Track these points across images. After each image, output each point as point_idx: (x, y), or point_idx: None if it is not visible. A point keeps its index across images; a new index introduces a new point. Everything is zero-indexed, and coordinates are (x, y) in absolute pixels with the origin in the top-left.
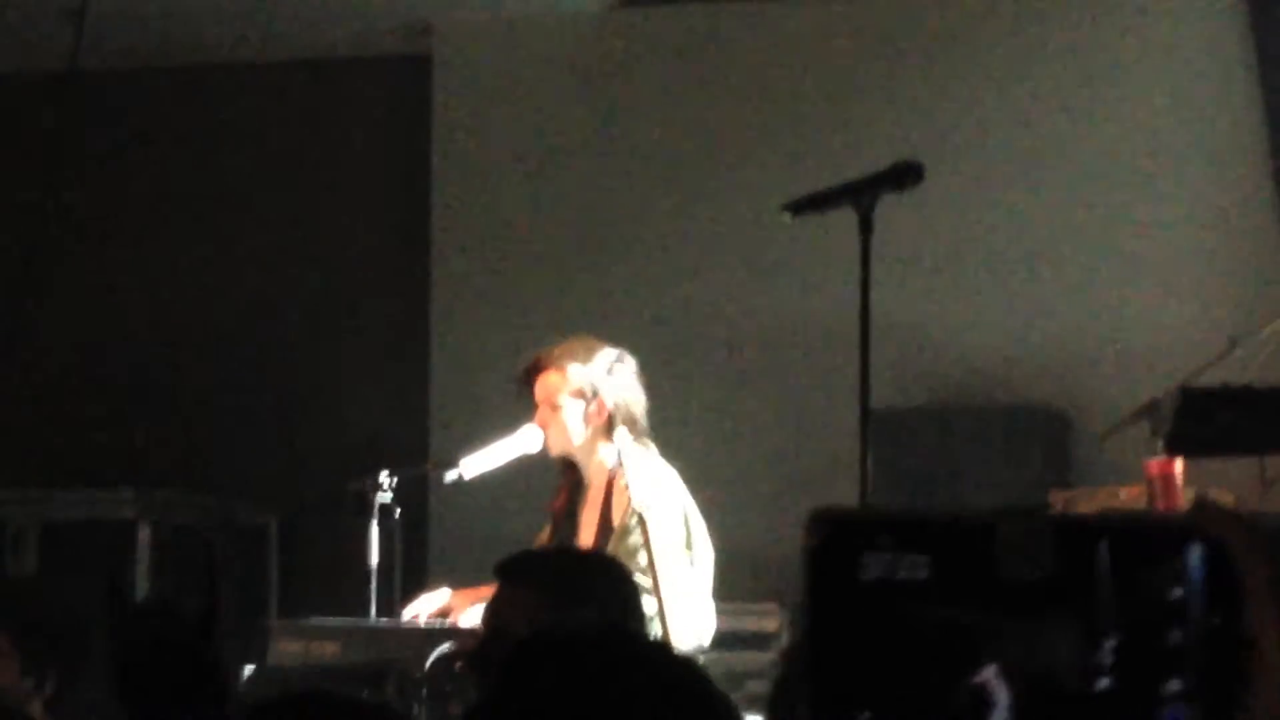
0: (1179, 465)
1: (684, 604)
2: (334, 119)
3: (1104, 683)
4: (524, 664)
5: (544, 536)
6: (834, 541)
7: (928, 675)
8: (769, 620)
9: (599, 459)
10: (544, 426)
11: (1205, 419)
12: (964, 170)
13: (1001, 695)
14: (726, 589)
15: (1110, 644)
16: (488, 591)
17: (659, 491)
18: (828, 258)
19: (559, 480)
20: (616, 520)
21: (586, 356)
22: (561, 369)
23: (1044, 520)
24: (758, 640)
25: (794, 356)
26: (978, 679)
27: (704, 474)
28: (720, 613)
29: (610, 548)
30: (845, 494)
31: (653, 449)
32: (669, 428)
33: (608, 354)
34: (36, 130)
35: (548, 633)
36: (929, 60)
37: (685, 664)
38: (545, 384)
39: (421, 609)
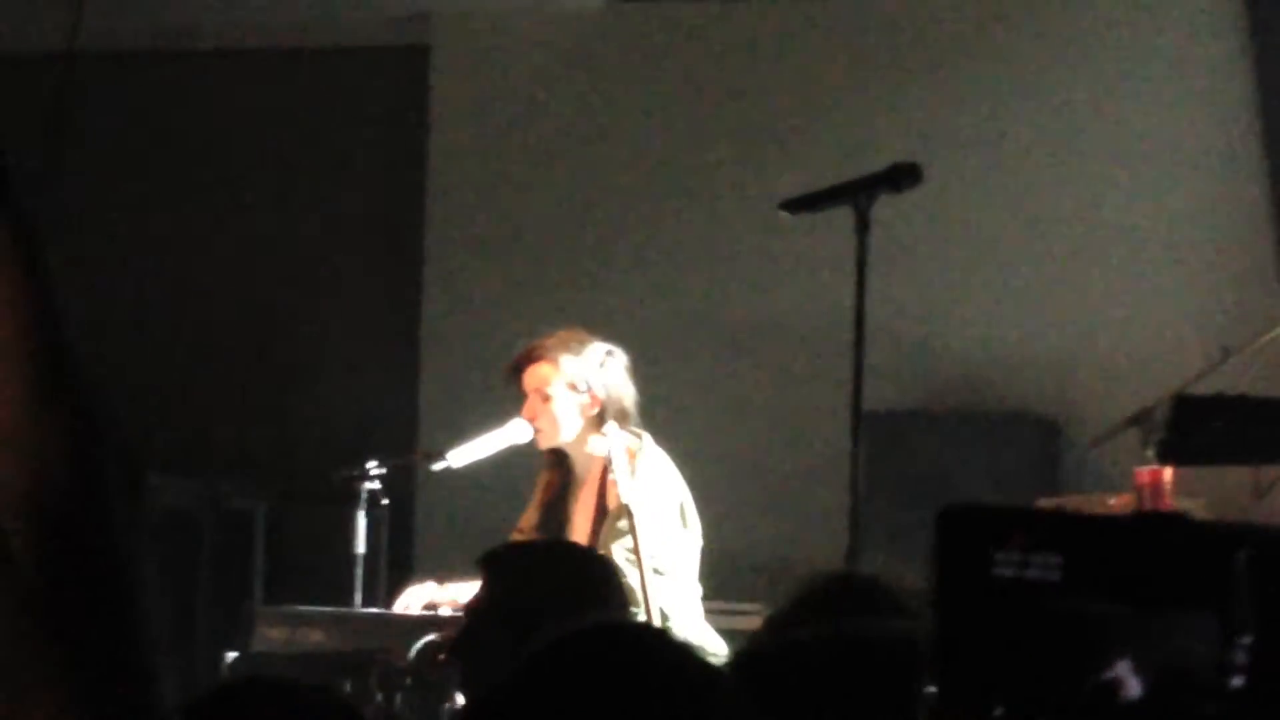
0: (1169, 474)
1: (671, 597)
2: (330, 107)
3: (1238, 681)
4: (547, 663)
5: (524, 525)
6: (963, 538)
7: (1058, 669)
8: (753, 620)
9: (589, 451)
10: (534, 418)
11: (1199, 428)
12: (958, 175)
13: (1133, 689)
14: (712, 588)
15: (1245, 642)
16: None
17: (656, 486)
18: (822, 257)
19: (543, 471)
20: (611, 510)
21: (579, 349)
22: (554, 360)
23: (1183, 525)
24: (741, 640)
25: (784, 356)
26: (1109, 673)
27: (692, 472)
28: (705, 612)
29: (600, 536)
30: (833, 496)
31: (647, 438)
32: (658, 424)
33: (599, 347)
34: (33, 112)
35: (570, 633)
36: (928, 63)
37: (700, 661)
38: (536, 375)
39: (412, 600)
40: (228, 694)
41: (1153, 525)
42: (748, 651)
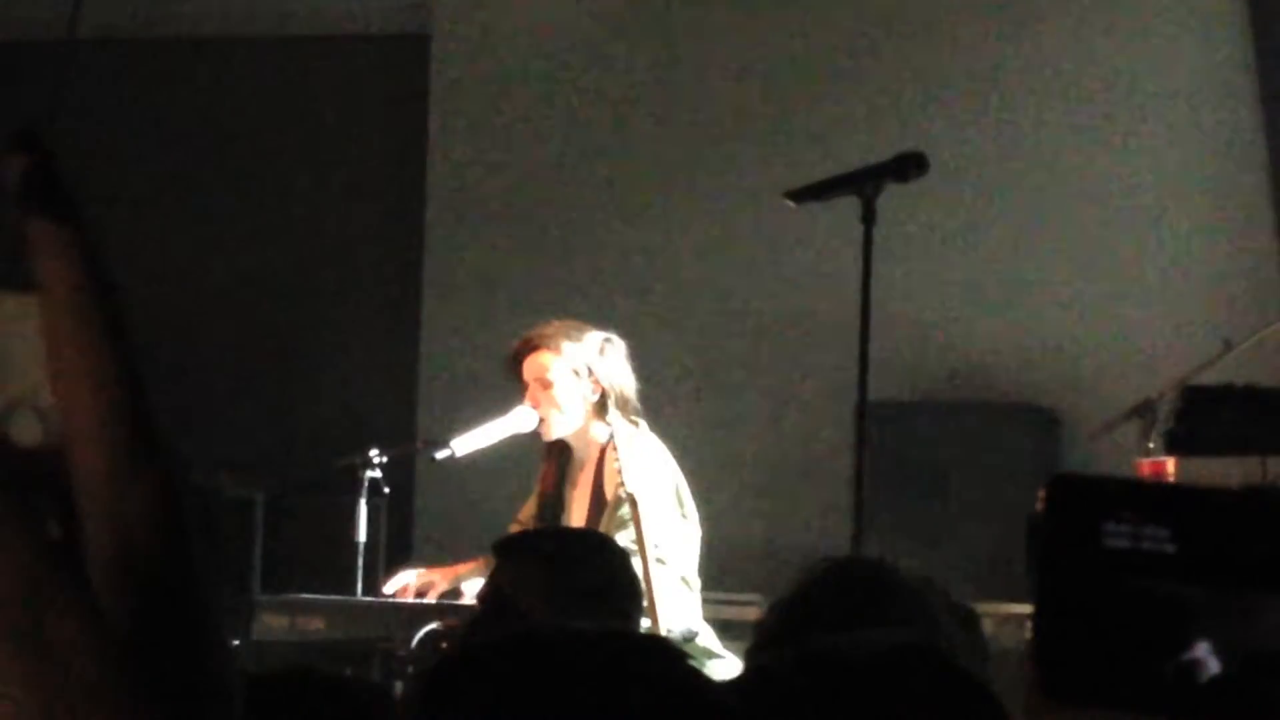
0: (1171, 465)
1: (674, 587)
2: (330, 95)
3: None
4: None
5: (523, 517)
6: (1074, 506)
7: (1140, 649)
8: (750, 610)
9: (592, 438)
10: (536, 406)
11: (1207, 418)
12: (962, 166)
13: (1212, 671)
14: (709, 578)
15: None
16: (465, 569)
17: (651, 473)
18: (826, 247)
19: (545, 458)
20: (609, 497)
21: (578, 336)
22: (555, 348)
23: None
24: (739, 630)
25: (785, 345)
26: (1188, 655)
27: (691, 460)
28: (703, 602)
29: (601, 525)
30: (833, 486)
31: (644, 426)
32: (658, 412)
33: (597, 335)
34: (33, 100)
35: (545, 632)
36: (935, 55)
37: (685, 670)
38: (536, 363)
39: (405, 583)
40: (280, 685)
41: (1261, 502)
42: (759, 668)
